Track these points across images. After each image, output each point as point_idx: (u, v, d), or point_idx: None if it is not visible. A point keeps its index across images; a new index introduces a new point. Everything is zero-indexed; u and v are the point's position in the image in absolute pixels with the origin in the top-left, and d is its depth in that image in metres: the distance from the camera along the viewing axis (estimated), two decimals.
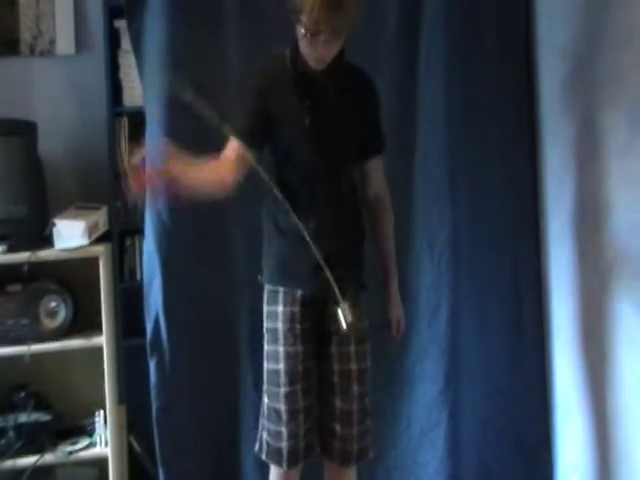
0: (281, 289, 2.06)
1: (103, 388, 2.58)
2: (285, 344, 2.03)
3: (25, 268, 2.51)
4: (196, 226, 2.51)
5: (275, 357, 2.04)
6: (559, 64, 2.49)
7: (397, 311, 2.19)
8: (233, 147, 2.00)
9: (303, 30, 1.85)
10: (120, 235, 2.75)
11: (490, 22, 2.62)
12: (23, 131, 2.62)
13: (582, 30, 2.33)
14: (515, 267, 2.66)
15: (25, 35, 2.85)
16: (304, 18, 1.82)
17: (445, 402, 2.55)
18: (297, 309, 2.04)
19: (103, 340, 2.58)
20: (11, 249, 2.54)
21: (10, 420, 2.59)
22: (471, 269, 2.61)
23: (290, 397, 2.01)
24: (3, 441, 2.57)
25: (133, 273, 2.77)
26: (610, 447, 2.27)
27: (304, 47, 1.91)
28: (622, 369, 2.18)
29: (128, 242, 2.77)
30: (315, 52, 1.90)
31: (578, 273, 2.41)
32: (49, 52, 2.87)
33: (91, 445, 2.65)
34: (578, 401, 2.43)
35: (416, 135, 2.60)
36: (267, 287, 2.10)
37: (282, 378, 2.02)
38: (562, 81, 2.48)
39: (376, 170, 2.15)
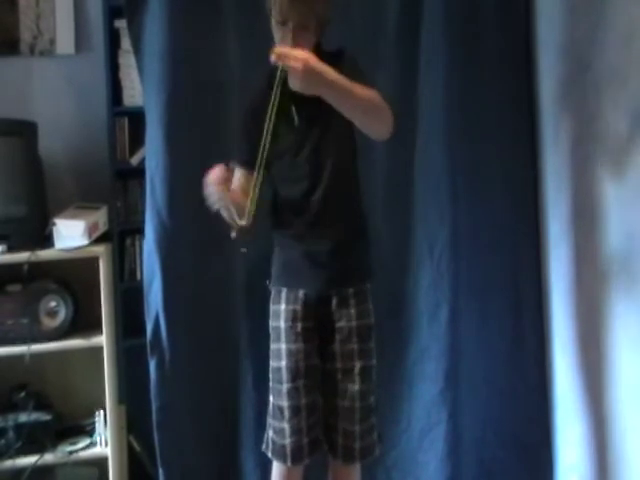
0: (284, 289, 2.10)
1: (103, 388, 2.58)
2: (287, 341, 2.06)
3: (25, 268, 2.52)
4: (196, 226, 2.50)
5: (278, 355, 2.07)
6: (559, 64, 2.49)
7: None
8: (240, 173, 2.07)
9: (274, 22, 1.96)
10: (120, 235, 2.76)
11: (490, 22, 2.61)
12: (23, 131, 2.62)
13: (582, 30, 2.33)
14: (515, 267, 2.65)
15: (25, 35, 2.86)
16: (273, 10, 1.95)
17: (445, 402, 2.54)
18: (299, 307, 2.06)
19: (103, 340, 2.58)
20: (11, 249, 2.55)
21: (10, 420, 2.59)
22: (471, 269, 2.60)
23: (292, 393, 2.03)
24: (3, 441, 2.57)
25: (133, 273, 2.78)
26: (610, 447, 2.26)
27: (277, 41, 1.98)
28: (622, 369, 2.18)
29: (128, 242, 2.78)
30: (285, 44, 1.93)
31: (578, 273, 2.41)
32: (49, 52, 2.88)
33: (91, 445, 2.66)
34: (578, 401, 2.43)
35: (416, 135, 2.59)
36: (273, 289, 2.14)
37: (284, 375, 2.04)
38: (562, 81, 2.48)
39: None
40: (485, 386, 2.63)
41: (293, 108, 1.99)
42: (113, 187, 2.74)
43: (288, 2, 1.92)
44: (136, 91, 2.71)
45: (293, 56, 1.75)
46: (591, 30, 2.26)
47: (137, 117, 2.63)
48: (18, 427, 2.58)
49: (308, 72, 1.74)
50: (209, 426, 2.55)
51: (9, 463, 2.54)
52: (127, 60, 2.70)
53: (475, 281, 2.60)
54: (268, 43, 2.04)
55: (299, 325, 2.06)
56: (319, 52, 2.03)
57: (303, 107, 1.98)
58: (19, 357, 2.53)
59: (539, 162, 2.66)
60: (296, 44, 1.94)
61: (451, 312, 2.56)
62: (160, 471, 2.50)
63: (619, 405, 2.20)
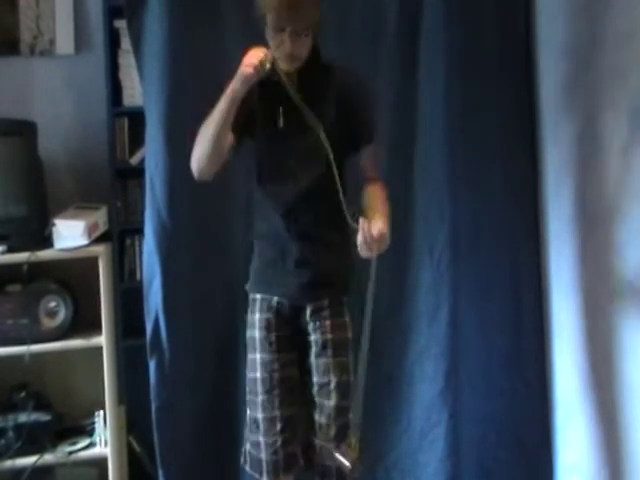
0: (259, 296, 2.08)
1: (103, 388, 2.58)
2: (261, 351, 2.04)
3: (25, 268, 2.51)
4: (196, 226, 2.51)
5: (253, 365, 2.05)
6: (559, 64, 2.49)
7: (378, 222, 1.87)
8: None
9: (270, 30, 1.91)
10: (120, 235, 2.76)
11: (490, 22, 2.62)
12: (23, 131, 2.62)
13: (582, 30, 2.33)
14: (515, 267, 2.65)
15: (25, 35, 2.85)
16: (269, 18, 1.90)
17: (445, 402, 2.54)
18: (272, 316, 2.04)
19: (103, 340, 2.58)
20: (11, 249, 2.54)
21: (10, 420, 2.59)
22: (471, 269, 2.60)
23: (266, 405, 2.01)
24: (3, 441, 2.57)
25: (133, 273, 2.78)
26: (610, 447, 2.27)
27: (274, 47, 1.94)
28: (622, 369, 2.18)
29: (128, 242, 2.78)
30: (284, 49, 1.91)
31: (578, 273, 2.41)
32: (49, 52, 2.87)
33: (91, 445, 2.65)
34: (578, 401, 2.43)
35: (416, 136, 2.60)
36: (250, 296, 2.12)
37: (259, 386, 2.02)
38: (562, 81, 2.48)
39: (368, 158, 2.07)
40: (485, 386, 2.63)
41: (280, 110, 1.98)
42: (113, 187, 2.74)
43: (287, 9, 1.86)
44: (136, 91, 2.71)
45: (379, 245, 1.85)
46: (591, 30, 2.26)
47: (137, 117, 2.63)
48: (18, 427, 2.58)
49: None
50: (209, 426, 2.55)
51: (9, 463, 2.54)
52: (127, 60, 2.70)
53: (475, 281, 2.61)
54: (268, 43, 2.03)
55: (273, 335, 2.03)
56: (316, 59, 2.01)
57: (292, 114, 1.95)
58: (19, 357, 2.53)
59: (539, 162, 2.66)
60: (295, 50, 1.92)
61: (451, 312, 2.56)
62: (160, 471, 2.50)
63: (619, 405, 2.20)
